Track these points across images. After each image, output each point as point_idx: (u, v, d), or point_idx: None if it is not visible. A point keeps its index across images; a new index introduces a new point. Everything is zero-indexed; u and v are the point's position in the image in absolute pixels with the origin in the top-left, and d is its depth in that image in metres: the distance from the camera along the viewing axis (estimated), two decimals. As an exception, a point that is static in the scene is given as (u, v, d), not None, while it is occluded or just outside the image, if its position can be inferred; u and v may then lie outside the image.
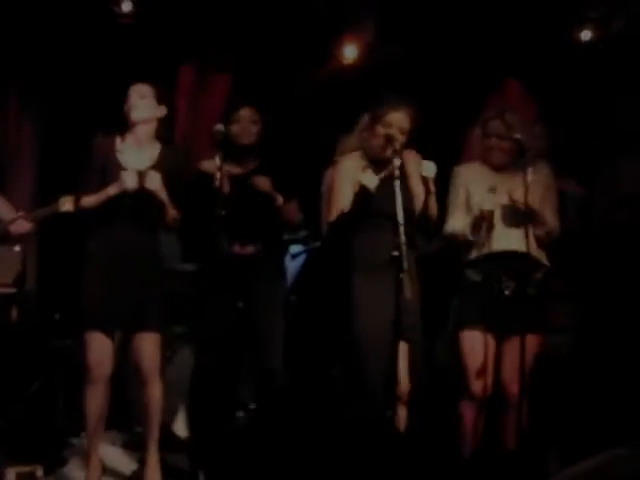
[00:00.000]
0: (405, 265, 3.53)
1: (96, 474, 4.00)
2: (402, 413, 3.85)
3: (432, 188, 3.90)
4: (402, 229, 3.59)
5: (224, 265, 4.17)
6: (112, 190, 3.88)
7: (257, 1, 5.50)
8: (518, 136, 3.92)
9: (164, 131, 4.12)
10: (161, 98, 4.09)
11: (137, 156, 4.02)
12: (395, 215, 3.65)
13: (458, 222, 4.08)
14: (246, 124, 4.45)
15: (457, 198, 4.12)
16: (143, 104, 4.02)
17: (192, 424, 4.55)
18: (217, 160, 3.95)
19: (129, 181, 3.85)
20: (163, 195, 3.92)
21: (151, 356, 3.98)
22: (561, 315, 4.50)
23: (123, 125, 4.06)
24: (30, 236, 5.40)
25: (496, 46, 5.67)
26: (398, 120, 3.90)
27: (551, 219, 4.06)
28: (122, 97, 4.08)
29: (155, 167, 3.99)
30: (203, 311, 4.32)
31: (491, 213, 3.94)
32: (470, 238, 4.03)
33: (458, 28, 5.57)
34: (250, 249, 4.39)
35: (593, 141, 4.62)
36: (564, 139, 4.74)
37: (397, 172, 3.69)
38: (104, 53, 5.56)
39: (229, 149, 4.34)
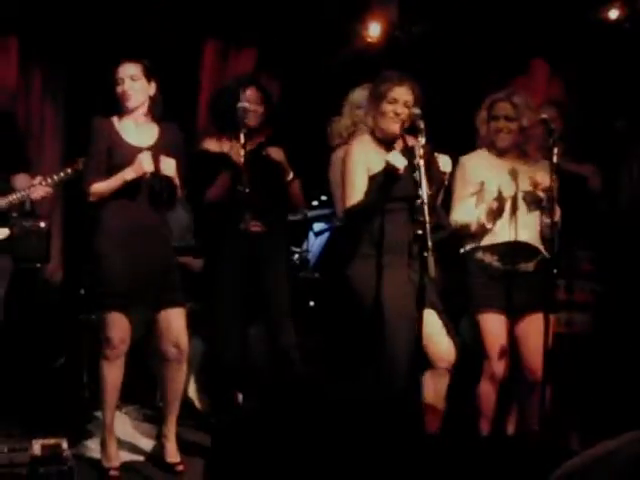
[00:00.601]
0: (430, 243, 3.51)
1: (115, 446, 4.04)
2: (441, 383, 3.85)
3: (446, 182, 3.85)
4: (426, 208, 3.56)
5: (235, 242, 4.21)
6: (129, 174, 3.85)
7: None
8: (545, 116, 3.89)
9: (156, 108, 4.05)
10: (150, 74, 4.01)
11: (138, 135, 4.00)
12: (414, 196, 3.62)
13: (469, 212, 4.04)
14: (251, 105, 4.40)
15: (464, 189, 4.07)
16: (136, 89, 3.95)
17: (208, 399, 4.62)
18: (241, 137, 3.95)
19: (146, 164, 3.82)
20: (177, 180, 3.94)
21: (182, 331, 4.00)
22: (587, 294, 4.50)
23: (116, 104, 4.00)
24: (55, 211, 5.50)
25: (522, 26, 5.62)
26: (402, 94, 3.86)
27: (558, 209, 3.98)
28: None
29: (158, 144, 3.99)
30: (216, 287, 4.34)
31: (513, 199, 3.93)
32: (488, 226, 4.00)
33: (484, 8, 5.53)
34: (260, 225, 4.40)
35: (619, 124, 4.56)
36: (585, 122, 4.70)
37: (421, 150, 3.63)
38: (126, 29, 5.56)
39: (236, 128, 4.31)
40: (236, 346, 4.33)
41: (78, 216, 5.34)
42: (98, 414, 4.53)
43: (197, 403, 4.78)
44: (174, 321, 3.98)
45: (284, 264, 4.53)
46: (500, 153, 4.11)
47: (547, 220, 3.95)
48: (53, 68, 5.69)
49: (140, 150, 3.90)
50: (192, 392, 4.76)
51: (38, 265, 5.10)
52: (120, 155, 3.91)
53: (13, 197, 4.29)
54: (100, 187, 3.90)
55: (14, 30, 5.48)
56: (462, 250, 4.13)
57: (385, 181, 3.77)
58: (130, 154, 3.88)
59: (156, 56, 4.41)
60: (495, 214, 3.98)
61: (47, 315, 5.10)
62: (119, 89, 3.95)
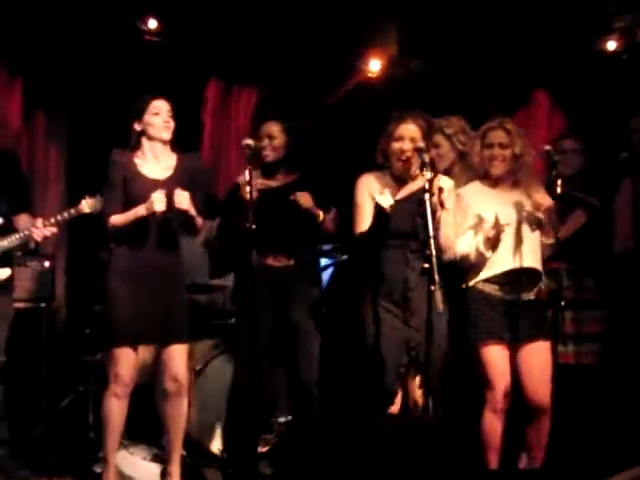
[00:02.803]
0: (436, 278, 3.52)
1: None
2: None
3: (446, 204, 3.87)
4: (432, 242, 3.57)
5: (258, 278, 4.17)
6: (141, 211, 3.90)
7: (282, 15, 5.54)
8: (548, 147, 3.92)
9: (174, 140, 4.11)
10: (173, 111, 4.09)
11: (156, 167, 4.05)
12: (415, 234, 3.72)
13: (467, 243, 4.04)
14: (267, 140, 4.41)
15: (462, 221, 4.08)
16: (171, 122, 4.05)
17: (227, 439, 4.53)
18: (246, 174, 3.96)
19: (158, 204, 3.85)
20: (192, 212, 3.95)
21: (182, 367, 4.02)
22: (592, 323, 4.49)
23: (135, 137, 4.05)
24: (59, 250, 5.50)
25: (522, 59, 5.68)
26: (407, 131, 3.92)
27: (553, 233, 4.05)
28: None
29: (175, 176, 4.03)
30: (241, 326, 4.31)
31: (516, 226, 3.93)
32: (487, 255, 3.99)
33: (484, 43, 5.59)
34: (283, 261, 4.39)
35: (620, 156, 4.57)
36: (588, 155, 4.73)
37: (427, 185, 3.67)
38: (129, 70, 5.61)
39: (260, 164, 4.38)
40: (261, 380, 4.27)
41: (83, 255, 5.36)
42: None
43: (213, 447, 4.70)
44: (175, 357, 4.00)
45: (311, 298, 4.41)
46: (494, 182, 4.11)
47: (546, 241, 3.98)
48: (56, 109, 5.71)
49: (156, 183, 3.96)
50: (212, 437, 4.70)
51: (42, 304, 5.08)
52: (136, 188, 3.96)
53: (14, 238, 4.28)
54: (117, 220, 3.97)
55: (19, 71, 5.52)
56: (464, 285, 4.11)
57: (374, 219, 3.86)
58: (146, 187, 3.93)
59: (159, 96, 4.44)
60: (493, 241, 3.96)
61: (52, 355, 5.07)
62: (157, 119, 4.00)
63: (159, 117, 4.02)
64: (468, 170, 4.50)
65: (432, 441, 2.92)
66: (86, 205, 4.17)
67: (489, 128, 4.11)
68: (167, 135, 4.05)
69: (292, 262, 4.38)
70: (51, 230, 4.26)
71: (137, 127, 4.02)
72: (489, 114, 5.76)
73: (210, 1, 5.41)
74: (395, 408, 3.91)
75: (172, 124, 4.05)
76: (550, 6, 5.38)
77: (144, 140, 4.04)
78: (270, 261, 4.37)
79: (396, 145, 3.93)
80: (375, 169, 4.10)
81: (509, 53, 5.67)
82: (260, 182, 4.27)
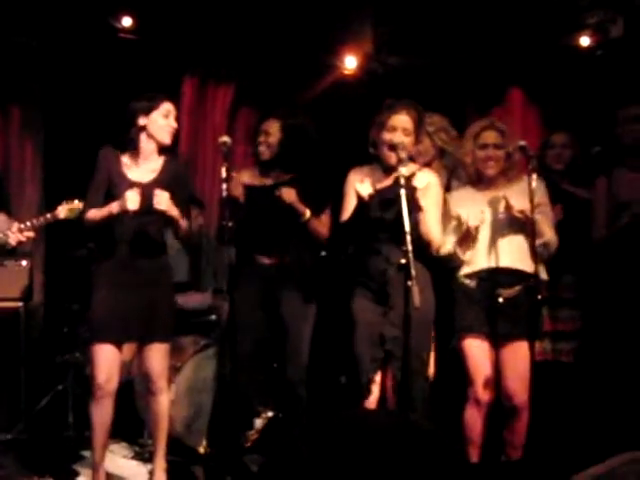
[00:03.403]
0: (413, 273, 3.54)
1: None
2: None
3: (421, 205, 3.88)
4: (409, 237, 3.59)
5: (249, 275, 4.17)
6: (115, 208, 3.87)
7: (257, 12, 5.54)
8: (523, 143, 3.91)
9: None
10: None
11: (141, 170, 4.02)
12: (395, 226, 3.70)
13: (448, 244, 4.08)
14: (264, 137, 4.43)
15: (447, 223, 4.10)
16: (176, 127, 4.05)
17: (211, 434, 4.54)
18: (223, 172, 3.96)
19: (131, 203, 3.82)
20: (174, 212, 3.92)
21: (160, 366, 4.01)
22: (569, 321, 4.52)
23: (125, 137, 4.01)
24: (37, 250, 5.47)
25: (497, 56, 5.72)
26: (401, 122, 3.94)
27: (547, 231, 4.03)
28: (122, 110, 4.03)
29: (158, 179, 4.01)
30: (231, 324, 4.31)
31: (476, 229, 3.92)
32: (462, 256, 4.03)
33: (459, 40, 5.62)
34: (274, 259, 4.38)
35: (592, 150, 4.62)
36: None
37: (402, 180, 3.68)
38: (104, 67, 5.60)
39: (258, 162, 4.42)
40: (247, 377, 4.27)
41: (60, 254, 5.35)
42: (84, 453, 4.53)
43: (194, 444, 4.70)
44: (155, 356, 3.99)
45: (302, 296, 4.39)
46: (485, 182, 4.12)
47: (537, 242, 3.91)
48: (31, 107, 5.69)
49: (138, 186, 3.91)
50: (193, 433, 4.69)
51: (20, 304, 5.06)
52: (118, 190, 3.93)
53: None
54: (91, 214, 3.95)
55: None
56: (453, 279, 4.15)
57: (354, 209, 3.89)
58: (127, 189, 3.89)
59: (134, 94, 4.41)
60: (464, 243, 3.99)
61: (30, 354, 5.05)
62: (165, 121, 3.98)
63: (168, 119, 3.99)
64: (446, 167, 4.54)
65: (403, 435, 2.95)
66: (62, 211, 4.14)
67: (482, 129, 4.10)
68: (168, 140, 4.02)
69: (283, 260, 4.38)
70: (27, 235, 4.25)
71: (141, 122, 3.96)
72: (464, 110, 5.88)
73: (185, -1, 5.40)
74: (372, 401, 3.93)
75: (176, 127, 4.03)
76: (524, 3, 5.41)
77: (142, 136, 3.99)
78: (261, 259, 4.38)
79: (387, 135, 3.94)
80: (367, 163, 4.11)
81: (484, 49, 5.70)
82: (250, 179, 4.30)
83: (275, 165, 4.45)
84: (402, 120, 3.95)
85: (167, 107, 3.99)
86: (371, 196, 3.84)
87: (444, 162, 4.60)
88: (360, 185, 3.85)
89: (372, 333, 3.92)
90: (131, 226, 3.93)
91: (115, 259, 3.96)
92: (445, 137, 4.48)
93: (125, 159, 4.02)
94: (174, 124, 4.02)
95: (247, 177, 4.53)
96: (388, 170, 3.99)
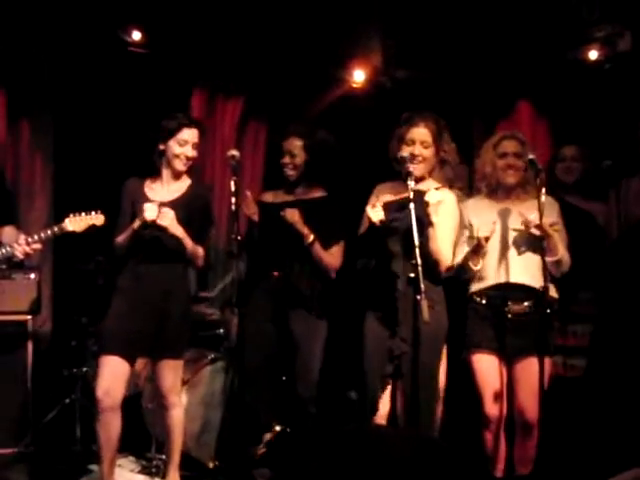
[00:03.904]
0: (422, 287, 3.53)
1: None
2: None
3: (433, 220, 3.86)
4: (418, 251, 3.58)
5: (263, 290, 4.17)
6: (136, 224, 3.93)
7: (266, 25, 5.55)
8: (532, 156, 3.90)
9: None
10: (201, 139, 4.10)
11: (164, 190, 4.06)
12: (405, 240, 3.70)
13: (461, 255, 4.06)
14: (288, 158, 4.43)
15: (461, 234, 4.09)
16: (194, 154, 4.05)
17: (220, 448, 4.53)
18: (232, 185, 3.96)
19: (149, 212, 3.87)
20: (178, 231, 3.93)
21: (171, 381, 4.01)
22: (583, 337, 4.49)
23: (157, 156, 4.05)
24: (45, 263, 5.48)
25: (506, 69, 5.71)
26: (420, 135, 3.94)
27: (561, 249, 3.98)
28: (131, 124, 4.04)
29: (179, 200, 4.02)
30: (241, 338, 4.30)
31: (486, 239, 3.90)
32: (473, 267, 4.00)
33: (468, 53, 5.62)
34: (285, 275, 4.38)
35: (603, 163, 4.61)
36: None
37: (411, 194, 3.67)
38: (114, 81, 5.61)
39: (286, 182, 4.44)
40: (259, 391, 4.26)
41: (68, 267, 5.35)
42: (91, 467, 4.52)
43: (203, 457, 4.68)
44: (167, 372, 4.00)
45: (313, 313, 4.40)
46: (502, 193, 4.10)
47: (549, 258, 3.87)
48: (41, 120, 5.69)
49: (159, 204, 3.95)
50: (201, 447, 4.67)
51: (28, 317, 5.06)
52: (139, 208, 3.95)
53: None
54: (119, 240, 4.02)
55: (3, 82, 5.50)
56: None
57: (366, 231, 3.91)
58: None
59: (144, 106, 4.44)
60: (474, 255, 3.97)
61: (38, 367, 5.05)
62: (180, 150, 3.99)
63: (183, 148, 4.00)
64: (446, 178, 4.52)
65: (413, 451, 2.93)
66: (69, 223, 4.16)
67: (502, 138, 4.12)
68: (182, 168, 4.04)
69: (294, 277, 4.38)
70: (34, 247, 4.24)
71: (161, 147, 4.01)
72: (472, 123, 5.88)
73: (194, 12, 5.40)
74: (381, 417, 3.90)
75: (194, 156, 4.04)
76: (532, 16, 5.41)
77: (163, 161, 4.05)
78: (275, 273, 4.38)
79: (407, 149, 3.94)
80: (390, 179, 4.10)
81: (492, 62, 5.70)
82: (272, 198, 4.37)
83: (300, 182, 4.46)
84: (421, 133, 3.96)
85: (185, 135, 3.99)
86: (382, 222, 3.82)
87: (444, 173, 4.59)
88: (371, 210, 3.84)
89: (381, 349, 3.89)
90: (149, 239, 3.95)
91: (132, 271, 4.00)
92: (447, 148, 4.48)
93: (149, 182, 4.07)
94: (190, 153, 4.02)
95: (270, 197, 4.56)
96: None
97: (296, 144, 4.43)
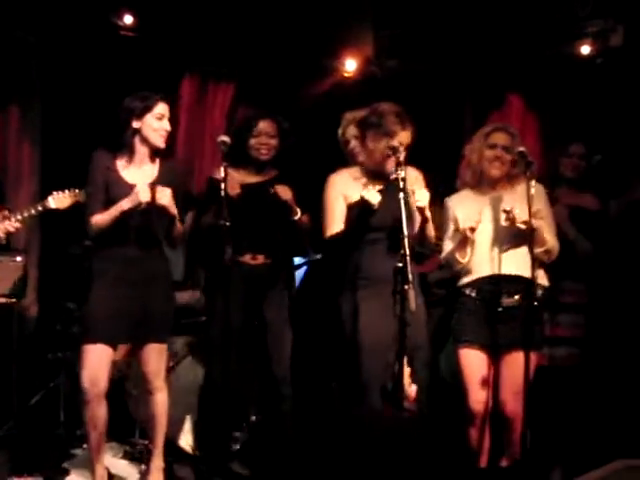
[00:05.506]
0: (410, 277, 3.53)
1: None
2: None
3: (428, 216, 3.89)
4: (406, 241, 3.58)
5: (233, 275, 4.15)
6: (126, 205, 3.80)
7: (258, 12, 5.54)
8: (522, 148, 3.90)
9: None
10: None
11: (138, 172, 3.95)
12: (394, 228, 3.69)
13: (447, 249, 4.09)
14: (265, 138, 4.40)
15: (448, 228, 4.11)
16: (169, 128, 3.95)
17: (199, 436, 4.53)
18: (222, 171, 3.94)
19: (143, 194, 3.78)
20: (174, 210, 3.88)
21: (156, 366, 3.99)
22: (568, 327, 4.51)
23: (119, 139, 3.93)
24: (32, 246, 5.45)
25: (497, 61, 5.72)
26: (405, 137, 3.92)
27: (550, 238, 4.00)
28: (116, 110, 3.97)
29: (157, 181, 3.94)
30: (213, 322, 4.30)
31: (471, 230, 3.91)
32: (461, 260, 4.01)
33: (459, 44, 5.62)
34: (260, 259, 4.39)
35: (594, 159, 4.63)
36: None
37: (401, 184, 3.67)
38: (104, 65, 5.58)
39: (248, 161, 4.38)
40: (233, 378, 4.25)
41: (55, 250, 5.32)
42: (75, 451, 4.51)
43: (185, 445, 4.68)
44: (149, 356, 3.97)
45: (285, 297, 4.42)
46: (486, 185, 4.10)
47: (539, 250, 3.90)
48: (30, 104, 5.66)
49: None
50: (183, 433, 4.66)
51: (14, 300, 5.04)
52: (117, 193, 3.86)
53: None
54: (100, 218, 3.86)
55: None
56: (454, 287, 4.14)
57: (361, 214, 3.85)
58: (127, 193, 3.83)
59: (133, 91, 4.37)
60: (460, 246, 3.99)
61: (22, 351, 5.03)
62: (159, 125, 3.89)
63: (162, 122, 3.90)
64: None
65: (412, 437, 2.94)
66: (52, 201, 4.12)
67: (494, 129, 4.11)
68: (162, 144, 3.94)
69: (269, 261, 4.38)
70: (14, 225, 4.19)
71: (134, 124, 3.87)
72: (462, 115, 5.88)
73: (187, -2, 5.40)
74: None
75: (169, 130, 3.94)
76: (524, 10, 5.42)
77: (136, 139, 3.91)
78: (247, 259, 4.37)
79: (388, 143, 3.88)
80: (341, 167, 4.10)
81: (484, 55, 5.71)
82: (242, 178, 4.30)
83: (267, 164, 4.45)
84: (406, 136, 3.91)
85: (161, 109, 3.90)
86: (380, 204, 3.79)
87: None
88: (367, 192, 3.79)
89: (386, 332, 3.79)
90: (136, 222, 3.88)
91: (116, 255, 3.92)
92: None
93: (120, 161, 3.94)
94: (168, 127, 3.92)
95: (242, 176, 4.50)
96: (373, 175, 3.97)
97: (272, 126, 4.42)
